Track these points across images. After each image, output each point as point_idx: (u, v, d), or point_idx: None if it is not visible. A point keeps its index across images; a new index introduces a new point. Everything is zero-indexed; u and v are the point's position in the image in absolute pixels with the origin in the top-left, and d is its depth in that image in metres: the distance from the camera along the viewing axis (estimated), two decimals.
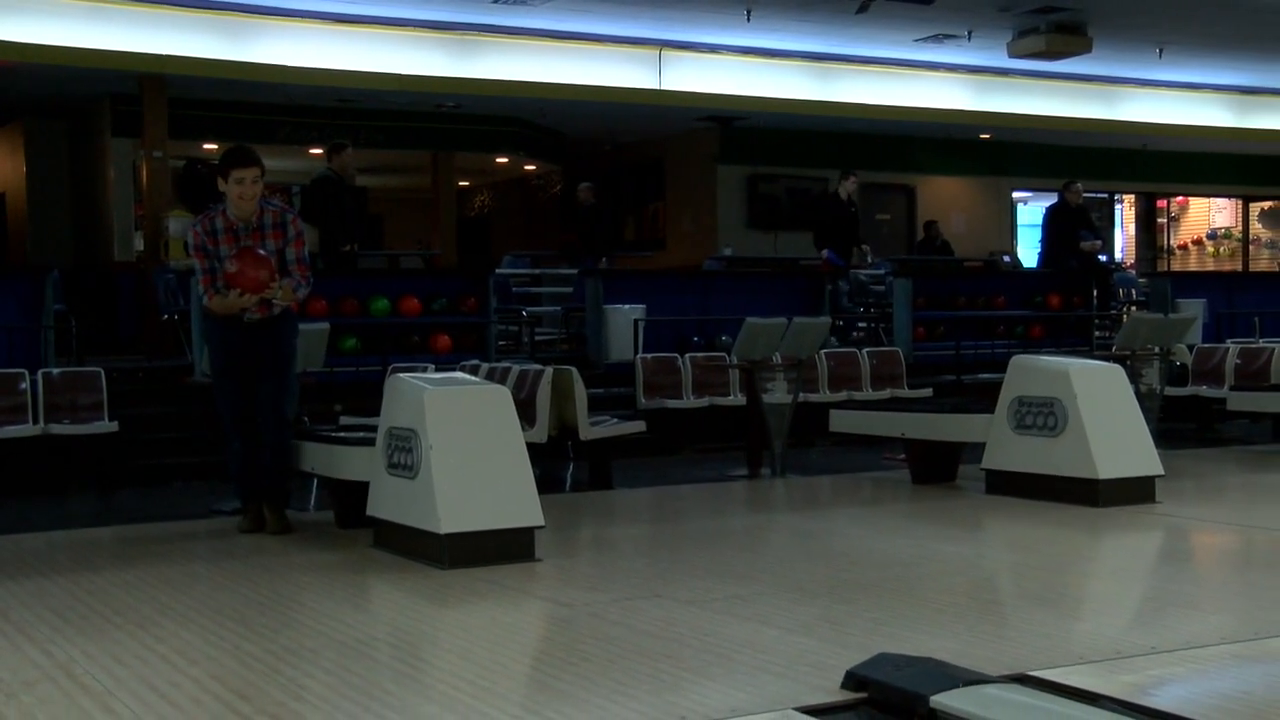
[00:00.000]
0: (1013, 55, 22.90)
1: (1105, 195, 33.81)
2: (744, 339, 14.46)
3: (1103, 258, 24.40)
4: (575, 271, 21.48)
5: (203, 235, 10.07)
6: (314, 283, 10.64)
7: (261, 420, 10.32)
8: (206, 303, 10.21)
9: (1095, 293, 22.82)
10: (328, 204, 18.26)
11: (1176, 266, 35.01)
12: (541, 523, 8.92)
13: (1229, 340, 19.98)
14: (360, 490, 9.86)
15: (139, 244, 22.85)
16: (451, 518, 8.75)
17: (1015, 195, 32.90)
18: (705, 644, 6.65)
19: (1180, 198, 35.89)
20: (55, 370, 15.02)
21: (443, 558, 8.71)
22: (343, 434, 10.99)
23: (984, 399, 13.07)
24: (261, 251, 10.05)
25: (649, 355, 17.50)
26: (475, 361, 15.90)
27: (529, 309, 21.27)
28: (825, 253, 21.58)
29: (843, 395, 17.58)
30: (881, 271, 24.39)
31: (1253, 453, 15.75)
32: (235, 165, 10.01)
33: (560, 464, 14.80)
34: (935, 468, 12.82)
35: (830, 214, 21.87)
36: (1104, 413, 11.15)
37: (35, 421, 14.42)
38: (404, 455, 9.12)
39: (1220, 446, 16.72)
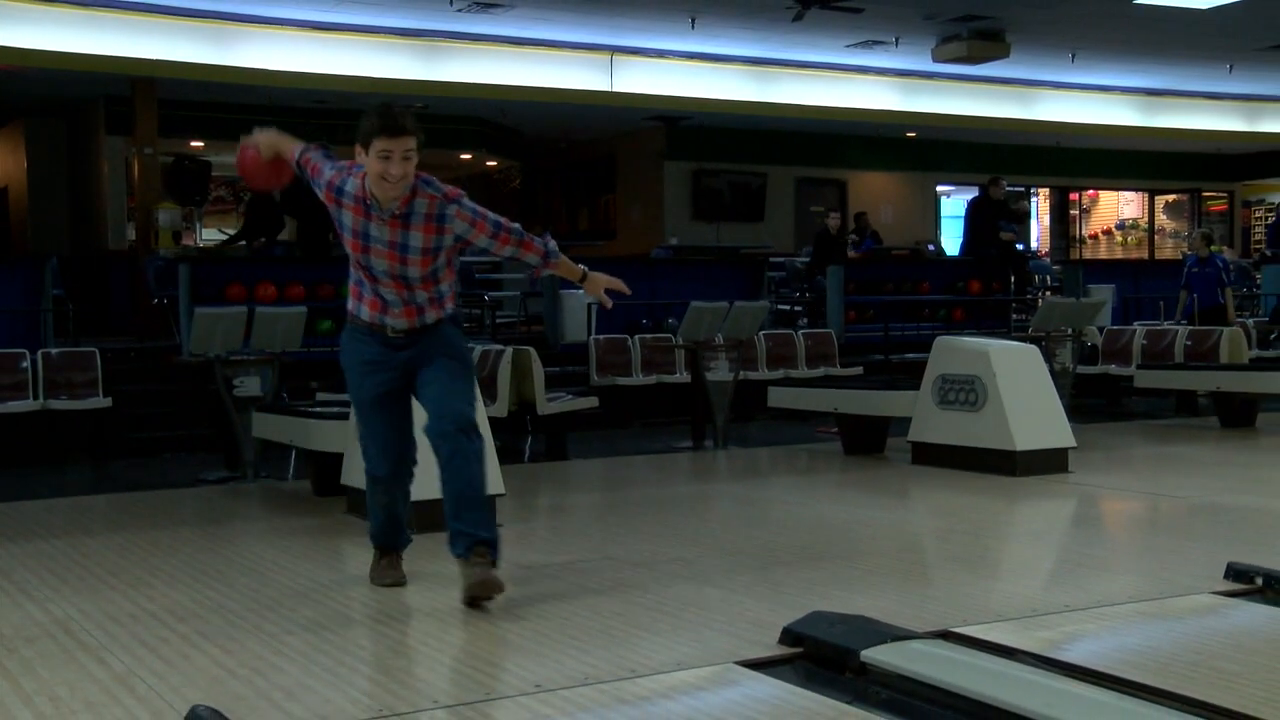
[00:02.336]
0: (936, 60, 22.89)
1: (1022, 189, 33.87)
2: (689, 321, 14.45)
3: (1019, 246, 24.45)
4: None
5: (335, 188, 6.89)
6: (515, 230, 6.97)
7: (431, 430, 6.82)
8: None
9: (1013, 279, 22.89)
10: (308, 198, 18.24)
11: (1088, 255, 35.16)
12: (502, 491, 8.88)
13: (1136, 323, 20.14)
14: (335, 461, 9.84)
15: (131, 234, 22.80)
16: (417, 486, 8.72)
17: (939, 189, 32.98)
18: (653, 603, 6.65)
19: (1091, 191, 36.03)
20: (53, 350, 14.97)
21: (410, 522, 8.68)
22: (319, 409, 10.95)
23: (910, 377, 13.13)
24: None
25: (601, 336, 17.49)
26: None
27: (491, 293, 21.21)
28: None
29: (780, 373, 17.63)
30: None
31: (1158, 426, 15.80)
32: (379, 133, 6.53)
33: (519, 436, 14.75)
34: (865, 440, 12.85)
35: (823, 246, 23.01)
36: (1021, 389, 11.18)
37: (35, 397, 14.40)
38: None
39: (1128, 420, 16.83)
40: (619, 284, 7.25)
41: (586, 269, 7.27)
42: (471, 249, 7.17)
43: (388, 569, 7.35)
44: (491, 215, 6.86)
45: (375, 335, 6.93)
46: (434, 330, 6.91)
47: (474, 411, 6.88)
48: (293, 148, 7.28)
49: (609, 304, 7.46)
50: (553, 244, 7.08)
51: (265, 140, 7.34)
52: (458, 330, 7.10)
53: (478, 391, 7.13)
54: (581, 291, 7.13)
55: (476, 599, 6.59)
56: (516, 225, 6.95)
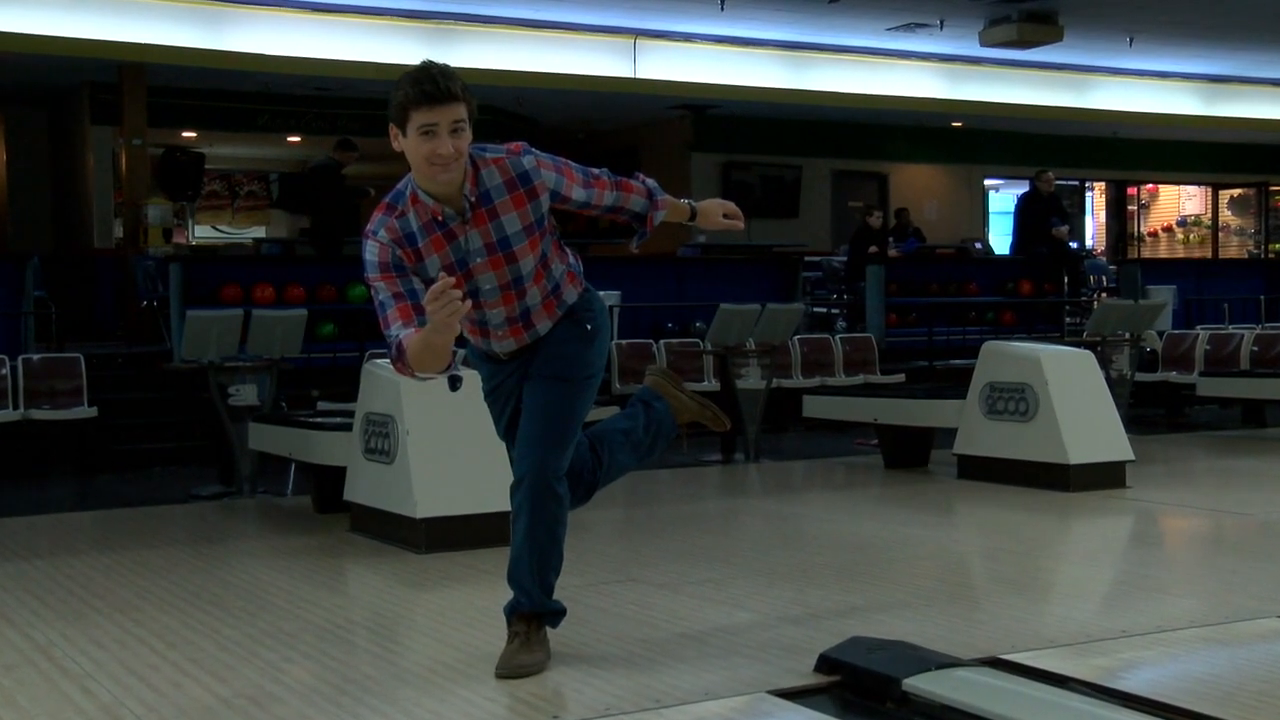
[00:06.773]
0: (984, 44, 22.87)
1: (1076, 183, 33.86)
2: (718, 325, 14.46)
3: (1073, 244, 24.45)
4: None
5: (391, 248, 5.64)
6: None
7: (514, 476, 5.93)
8: (393, 360, 5.75)
9: (1066, 279, 22.87)
10: (329, 191, 18.27)
11: (1146, 253, 35.10)
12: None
13: (1199, 326, 20.06)
14: (338, 475, 9.85)
15: (118, 231, 22.85)
16: (428, 502, 8.74)
17: (987, 183, 32.96)
18: (679, 627, 6.65)
19: (1150, 185, 35.95)
20: (35, 356, 14.98)
21: (419, 542, 8.70)
22: (320, 419, 10.96)
23: (956, 384, 13.09)
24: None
25: (624, 341, 17.44)
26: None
27: None
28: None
29: (816, 381, 17.57)
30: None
31: (1222, 438, 15.76)
32: (418, 103, 5.63)
33: None
34: (907, 453, 12.83)
35: (863, 245, 22.99)
36: (1075, 398, 11.16)
37: (15, 407, 14.38)
38: (381, 440, 9.10)
39: (1190, 431, 16.75)
40: (735, 208, 6.25)
41: (692, 201, 6.28)
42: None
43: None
44: (568, 161, 5.90)
45: (490, 358, 6.09)
46: (546, 340, 5.93)
47: (556, 459, 5.81)
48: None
49: (740, 226, 6.27)
50: (650, 180, 6.07)
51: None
52: (577, 328, 5.97)
53: (579, 413, 5.96)
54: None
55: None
56: (603, 168, 6.03)
